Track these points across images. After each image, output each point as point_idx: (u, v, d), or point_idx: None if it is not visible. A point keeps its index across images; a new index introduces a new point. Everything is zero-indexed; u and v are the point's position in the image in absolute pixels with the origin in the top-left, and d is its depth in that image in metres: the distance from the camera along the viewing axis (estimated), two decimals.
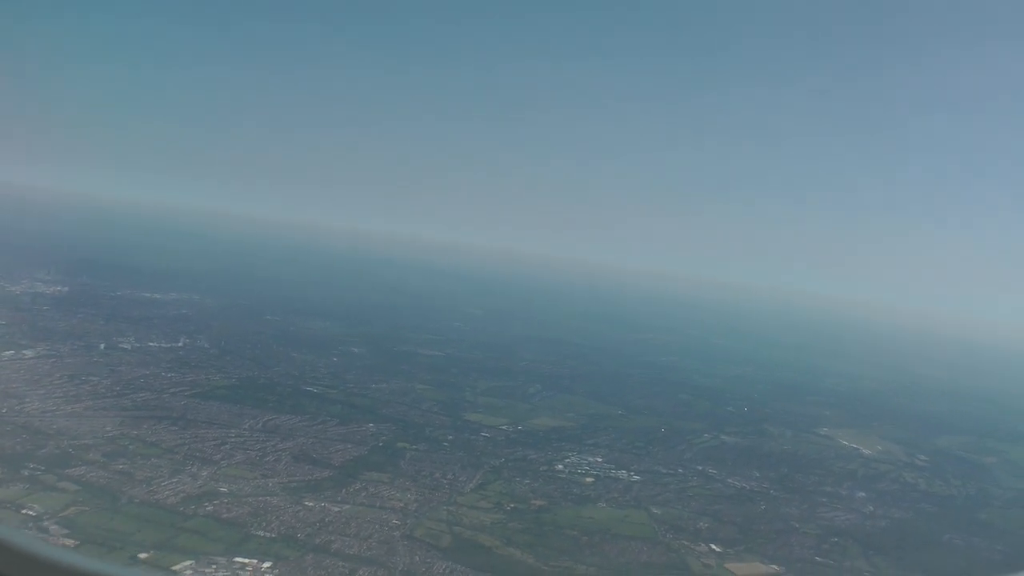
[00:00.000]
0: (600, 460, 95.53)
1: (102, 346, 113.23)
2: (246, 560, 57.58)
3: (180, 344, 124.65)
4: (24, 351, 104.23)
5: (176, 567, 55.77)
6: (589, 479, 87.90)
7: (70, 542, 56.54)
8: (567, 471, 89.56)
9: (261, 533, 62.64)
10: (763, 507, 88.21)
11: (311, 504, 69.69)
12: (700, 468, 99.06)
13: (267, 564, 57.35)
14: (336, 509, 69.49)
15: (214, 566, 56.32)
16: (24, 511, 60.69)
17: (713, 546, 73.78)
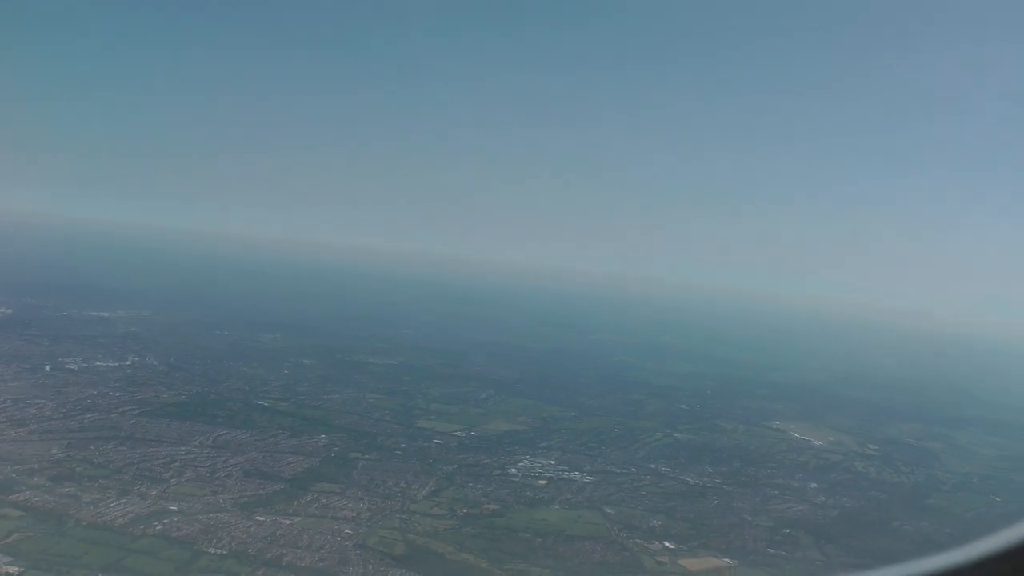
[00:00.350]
0: (553, 462, 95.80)
1: (47, 367, 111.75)
2: None
3: (128, 362, 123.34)
4: None
5: None
6: (542, 482, 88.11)
7: (14, 569, 55.65)
8: (520, 474, 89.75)
9: (212, 550, 62.16)
10: (716, 502, 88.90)
11: (262, 518, 69.25)
12: (653, 466, 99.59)
13: None
14: (288, 522, 69.11)
15: None
16: None
17: (667, 543, 74.23)
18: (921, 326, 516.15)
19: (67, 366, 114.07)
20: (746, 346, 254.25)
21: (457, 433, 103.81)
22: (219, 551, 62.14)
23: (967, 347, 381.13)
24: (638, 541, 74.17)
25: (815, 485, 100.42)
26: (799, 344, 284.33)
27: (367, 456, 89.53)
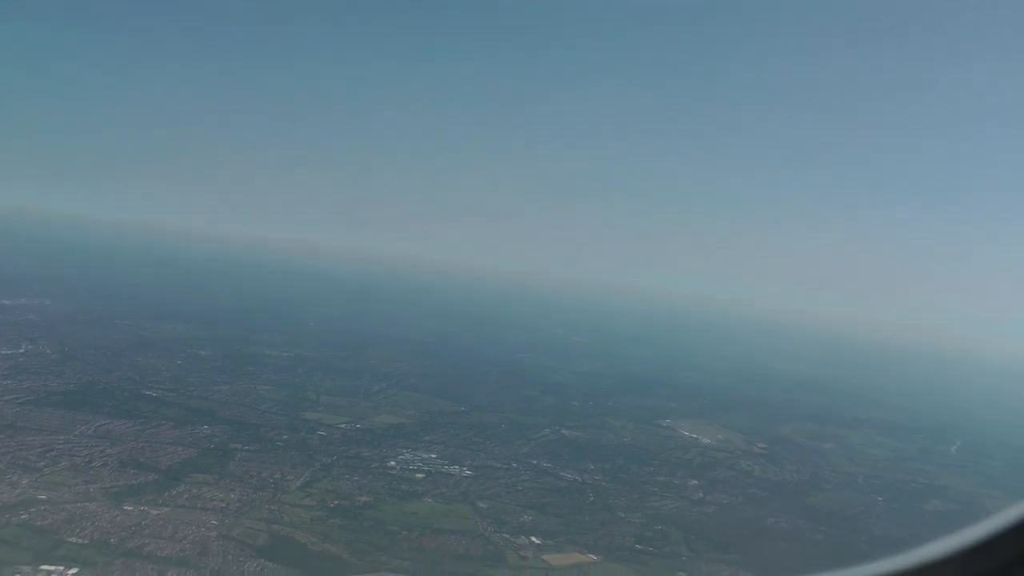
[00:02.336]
0: (434, 456, 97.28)
1: None
2: (52, 567, 57.47)
3: (21, 350, 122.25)
4: None
5: None
6: (420, 475, 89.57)
7: None
8: (399, 467, 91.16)
9: (73, 540, 62.61)
10: (591, 499, 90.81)
11: (130, 508, 69.78)
12: (535, 462, 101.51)
13: (73, 571, 57.44)
14: (155, 512, 69.74)
15: (18, 575, 56.18)
16: None
17: (533, 538, 75.98)
18: (843, 330, 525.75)
19: None
20: (661, 346, 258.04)
21: (342, 425, 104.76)
22: (80, 540, 62.60)
23: (882, 351, 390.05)
24: (505, 536, 75.88)
25: (695, 482, 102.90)
26: (717, 346, 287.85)
27: (246, 447, 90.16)
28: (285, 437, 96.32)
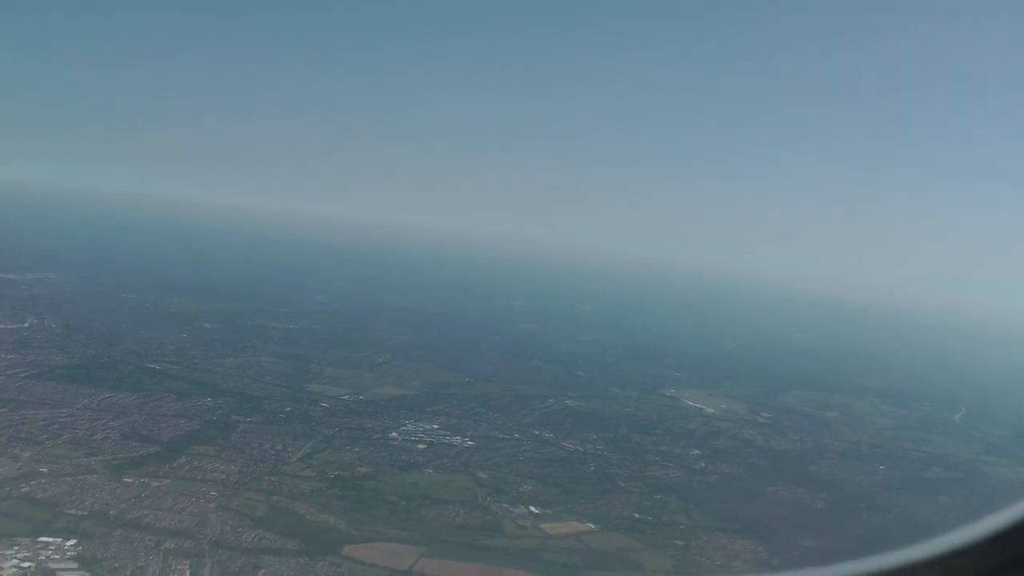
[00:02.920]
0: (436, 427, 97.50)
1: None
2: (51, 539, 57.89)
3: (26, 324, 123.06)
4: None
5: None
6: (422, 446, 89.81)
7: None
8: (401, 438, 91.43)
9: (73, 512, 63.02)
10: (592, 468, 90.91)
11: (130, 480, 70.21)
12: (537, 432, 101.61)
13: (72, 542, 57.84)
14: (155, 484, 70.16)
15: (16, 547, 56.52)
16: None
17: (532, 508, 76.11)
18: (854, 299, 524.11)
19: None
20: (667, 316, 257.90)
21: (345, 397, 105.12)
22: (80, 512, 63.03)
23: (892, 319, 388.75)
24: (504, 505, 76.04)
25: (697, 452, 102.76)
26: (726, 315, 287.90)
27: (248, 419, 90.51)
28: (288, 409, 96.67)
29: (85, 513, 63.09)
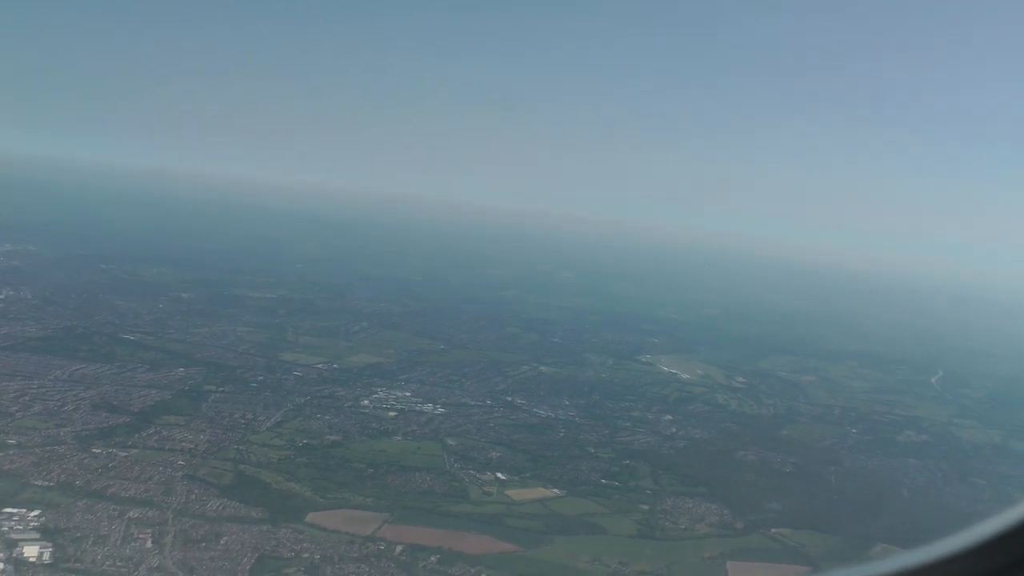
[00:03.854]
0: (409, 394, 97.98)
1: None
2: (15, 510, 58.04)
3: (1, 296, 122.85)
4: None
5: None
6: (392, 413, 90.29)
7: None
8: (372, 406, 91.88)
9: (39, 482, 63.25)
10: (562, 434, 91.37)
11: (98, 451, 70.45)
12: (509, 399, 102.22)
13: (35, 513, 58.05)
14: (123, 454, 70.39)
15: None
16: None
17: (499, 474, 76.65)
18: (836, 264, 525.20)
19: None
20: (650, 282, 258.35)
21: (319, 366, 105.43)
22: (46, 483, 63.28)
23: (874, 284, 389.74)
24: (471, 472, 76.52)
25: (669, 417, 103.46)
26: (707, 282, 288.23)
27: (221, 389, 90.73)
28: (260, 378, 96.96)
29: (51, 484, 63.32)
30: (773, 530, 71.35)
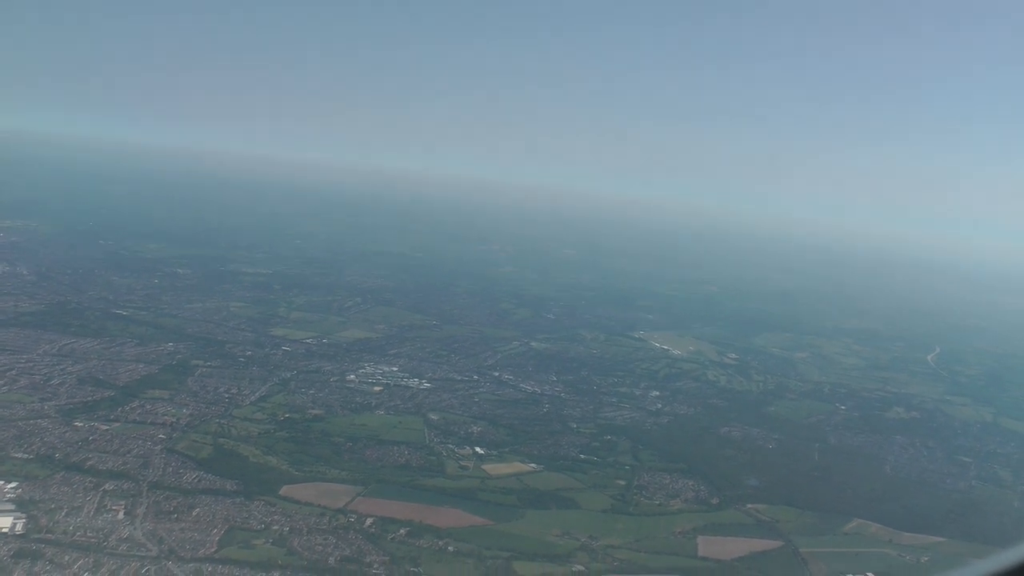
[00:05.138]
0: (396, 369, 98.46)
1: None
2: None
3: None
4: None
5: None
6: (378, 388, 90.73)
7: None
8: (358, 381, 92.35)
9: (19, 455, 63.86)
10: (546, 409, 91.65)
11: (80, 424, 71.13)
12: (497, 374, 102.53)
13: (12, 484, 58.68)
14: (104, 428, 71.01)
15: None
16: None
17: (478, 449, 77.03)
18: (840, 240, 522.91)
19: None
20: (650, 259, 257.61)
21: (308, 341, 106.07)
22: (26, 456, 63.88)
23: (877, 260, 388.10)
24: (450, 447, 76.89)
25: (656, 393, 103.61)
26: (708, 258, 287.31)
27: (208, 364, 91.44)
28: (248, 353, 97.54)
29: (31, 456, 63.91)
30: (749, 505, 71.58)
